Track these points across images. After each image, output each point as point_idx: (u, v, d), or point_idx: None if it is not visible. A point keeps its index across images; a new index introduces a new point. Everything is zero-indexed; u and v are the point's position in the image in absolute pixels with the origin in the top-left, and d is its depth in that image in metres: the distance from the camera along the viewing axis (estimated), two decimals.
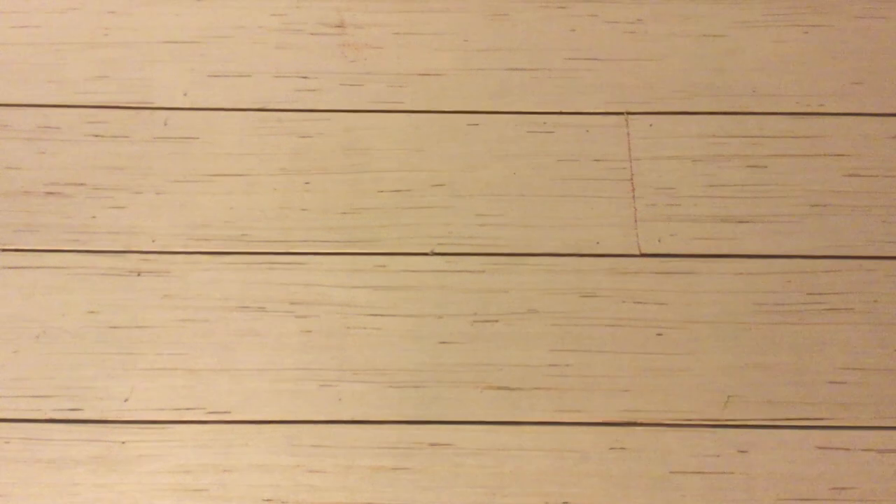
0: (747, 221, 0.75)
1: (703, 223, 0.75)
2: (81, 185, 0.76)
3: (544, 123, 0.79)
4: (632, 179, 0.77)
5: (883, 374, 0.70)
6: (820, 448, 0.67)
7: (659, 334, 0.71)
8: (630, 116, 0.79)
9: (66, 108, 0.79)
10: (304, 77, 0.81)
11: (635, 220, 0.75)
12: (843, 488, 0.66)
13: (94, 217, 0.75)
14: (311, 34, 0.83)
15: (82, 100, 0.79)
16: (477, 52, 0.82)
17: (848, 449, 0.67)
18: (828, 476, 0.67)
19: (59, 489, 0.66)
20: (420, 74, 0.81)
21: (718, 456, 0.67)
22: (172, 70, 0.81)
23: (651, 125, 0.79)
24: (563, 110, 0.79)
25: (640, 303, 0.72)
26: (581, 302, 0.72)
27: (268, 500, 0.65)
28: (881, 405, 0.69)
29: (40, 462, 0.66)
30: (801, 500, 0.66)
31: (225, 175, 0.77)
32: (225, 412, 0.68)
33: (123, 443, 0.67)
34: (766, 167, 0.77)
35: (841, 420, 0.68)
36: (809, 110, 0.79)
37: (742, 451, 0.67)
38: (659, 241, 0.74)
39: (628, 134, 0.78)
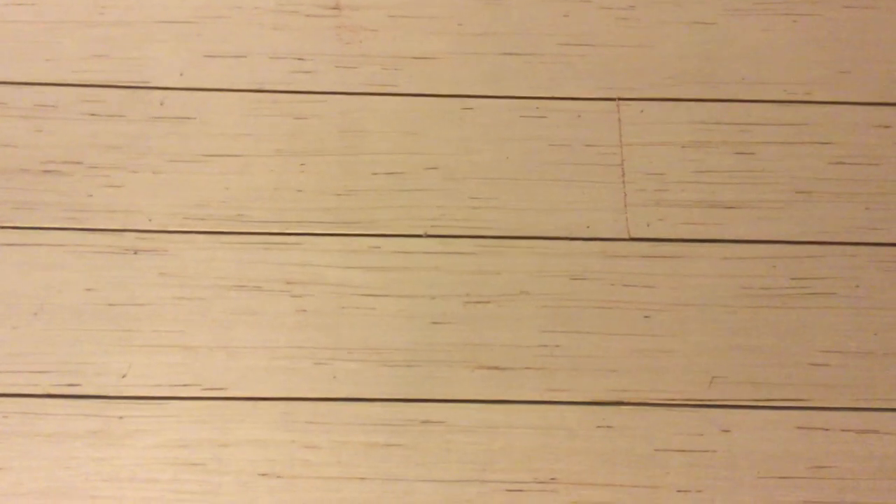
0: (734, 207, 0.77)
1: (690, 208, 0.76)
2: (78, 163, 0.77)
3: (537, 108, 0.80)
4: (622, 165, 0.78)
5: (863, 357, 0.72)
6: (800, 428, 0.70)
7: (646, 316, 0.73)
8: (621, 102, 0.80)
9: (62, 87, 0.79)
10: (300, 59, 0.81)
11: (625, 205, 0.77)
12: (822, 467, 0.68)
13: (90, 195, 0.75)
14: (307, 16, 0.83)
15: (79, 78, 0.80)
16: (471, 37, 0.83)
17: (827, 429, 0.70)
18: (807, 455, 0.69)
19: (57, 463, 0.67)
20: (414, 58, 0.82)
21: (702, 435, 0.69)
22: (169, 50, 0.81)
23: (642, 111, 0.80)
24: (556, 95, 0.81)
25: (629, 286, 0.74)
26: (571, 284, 0.74)
27: (263, 475, 0.67)
28: (861, 387, 0.71)
29: (38, 436, 0.68)
30: (782, 478, 0.68)
31: (221, 155, 0.77)
32: (221, 389, 0.69)
33: (121, 418, 0.68)
34: (753, 154, 0.79)
35: (821, 401, 0.70)
36: (796, 98, 0.81)
37: (725, 431, 0.69)
38: (648, 225, 0.76)
39: (619, 120, 0.80)
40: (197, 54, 0.81)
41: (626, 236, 0.75)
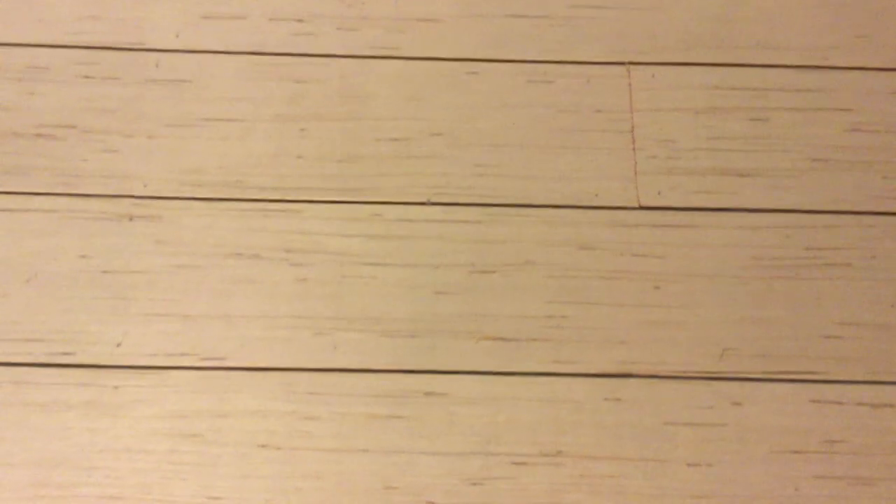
0: (748, 175, 0.74)
1: (703, 176, 0.74)
2: (72, 127, 0.74)
3: (545, 73, 0.78)
4: (632, 131, 0.76)
5: (878, 330, 0.70)
6: (813, 402, 0.68)
7: (656, 287, 0.71)
8: (632, 67, 0.78)
9: (55, 49, 0.77)
10: (300, 20, 0.79)
11: (635, 173, 0.74)
12: (834, 441, 0.67)
13: (85, 160, 0.73)
14: None
15: (72, 40, 0.77)
16: None
17: (841, 403, 0.68)
18: (820, 429, 0.67)
19: (50, 433, 0.65)
20: (418, 20, 0.79)
21: (712, 408, 0.67)
22: (164, 11, 0.79)
23: (653, 76, 0.77)
24: (564, 59, 0.78)
25: (638, 255, 0.72)
26: (579, 254, 0.72)
27: (263, 446, 0.65)
28: (875, 360, 0.69)
29: (31, 406, 0.66)
30: (794, 452, 0.66)
31: (218, 120, 0.75)
32: (219, 358, 0.68)
33: (116, 387, 0.67)
34: (767, 120, 0.76)
35: (835, 374, 0.69)
36: (813, 63, 0.78)
37: (736, 404, 0.67)
38: (658, 193, 0.74)
39: (630, 85, 0.77)
40: (194, 15, 0.79)
41: (636, 205, 0.73)
